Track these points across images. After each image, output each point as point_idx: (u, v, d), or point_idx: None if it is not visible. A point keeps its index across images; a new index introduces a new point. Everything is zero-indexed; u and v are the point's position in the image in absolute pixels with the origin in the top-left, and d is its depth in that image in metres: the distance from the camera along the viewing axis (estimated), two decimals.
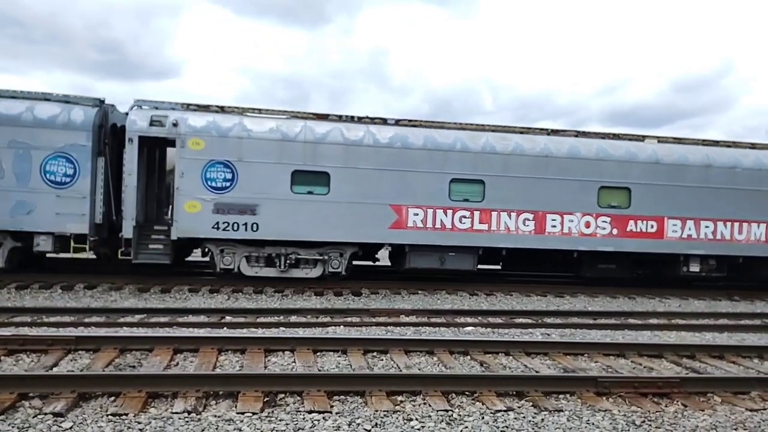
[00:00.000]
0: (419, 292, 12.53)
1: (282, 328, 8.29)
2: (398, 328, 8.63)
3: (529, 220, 12.83)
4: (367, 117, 12.89)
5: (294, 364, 6.23)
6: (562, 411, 5.08)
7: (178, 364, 6.16)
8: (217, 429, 4.34)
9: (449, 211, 12.54)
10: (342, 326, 8.60)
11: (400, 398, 5.23)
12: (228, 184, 11.75)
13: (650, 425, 4.87)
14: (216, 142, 11.74)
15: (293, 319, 9.32)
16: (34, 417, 4.45)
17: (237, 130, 11.88)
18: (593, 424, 4.83)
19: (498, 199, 12.68)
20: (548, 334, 8.53)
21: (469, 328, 8.86)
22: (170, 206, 12.25)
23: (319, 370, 6.01)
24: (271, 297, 11.55)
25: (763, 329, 9.78)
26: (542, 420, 4.86)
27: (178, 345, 6.56)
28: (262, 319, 9.11)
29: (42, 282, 11.47)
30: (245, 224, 11.78)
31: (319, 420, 4.61)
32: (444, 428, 4.59)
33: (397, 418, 4.74)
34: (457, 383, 5.52)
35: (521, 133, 13.43)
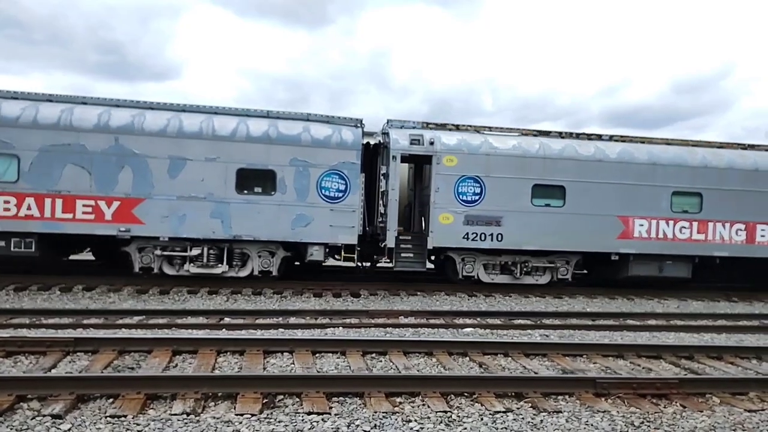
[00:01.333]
0: (418, 293, 12.55)
1: (281, 330, 8.29)
2: (397, 329, 8.63)
3: (741, 230, 13.80)
4: (595, 134, 13.96)
5: (293, 365, 6.22)
6: (561, 412, 5.09)
7: (176, 365, 6.15)
8: (216, 430, 4.33)
9: (671, 222, 13.52)
10: (341, 327, 8.59)
11: (399, 399, 5.23)
12: (477, 197, 12.77)
13: (649, 426, 4.88)
14: (467, 159, 12.74)
15: (292, 320, 9.32)
16: (32, 419, 4.44)
17: (485, 147, 12.89)
18: (592, 425, 4.83)
19: (714, 211, 13.66)
20: (547, 335, 8.54)
21: (468, 330, 8.86)
22: (422, 217, 13.30)
23: (318, 372, 6.00)
24: (270, 298, 11.55)
25: (761, 330, 9.80)
26: (541, 421, 4.86)
27: (176, 346, 6.56)
28: (260, 321, 9.11)
29: (40, 284, 11.46)
30: (491, 234, 12.79)
31: (318, 421, 4.61)
32: (443, 429, 4.59)
33: (396, 419, 4.74)
34: (456, 384, 5.52)
35: (733, 148, 14.35)
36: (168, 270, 12.05)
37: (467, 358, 6.81)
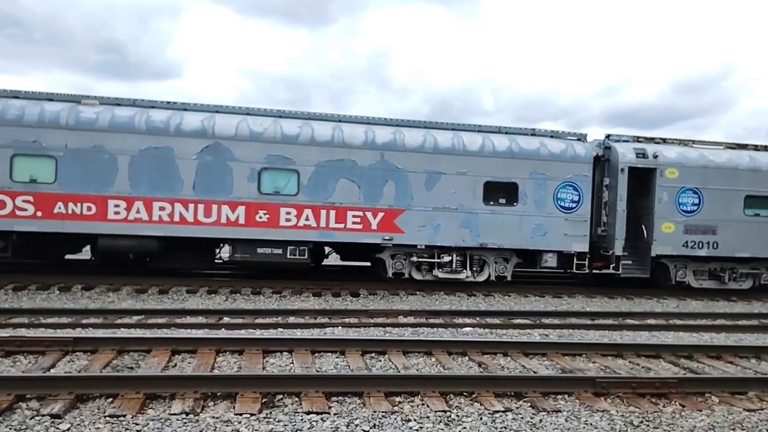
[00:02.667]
0: (417, 293, 12.55)
1: (280, 329, 8.28)
2: (396, 329, 8.63)
3: None
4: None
5: (292, 365, 6.22)
6: (560, 411, 5.09)
7: (176, 365, 6.15)
8: (215, 430, 4.33)
9: None
10: (340, 327, 8.59)
11: (398, 399, 5.23)
12: (695, 207, 13.65)
13: (648, 425, 4.88)
14: (686, 171, 13.61)
15: (291, 320, 9.31)
16: (31, 419, 4.44)
17: (701, 160, 13.75)
18: (591, 424, 4.84)
19: None
20: (546, 335, 8.54)
21: (467, 329, 8.86)
22: (642, 226, 13.80)
23: (317, 371, 6.00)
24: (269, 298, 11.54)
25: (761, 329, 9.80)
26: (540, 420, 4.86)
27: (176, 346, 6.55)
28: (260, 320, 9.10)
29: (39, 283, 11.44)
30: (707, 243, 13.66)
31: (317, 421, 4.61)
32: (442, 429, 4.59)
33: (395, 419, 4.74)
34: (455, 384, 5.52)
35: None
36: (416, 275, 12.91)
37: (466, 358, 6.81)
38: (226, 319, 9.16)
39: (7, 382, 4.95)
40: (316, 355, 6.61)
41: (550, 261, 13.19)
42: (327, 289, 12.30)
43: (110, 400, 4.87)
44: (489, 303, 12.06)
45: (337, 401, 5.11)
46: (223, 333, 7.80)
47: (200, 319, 9.10)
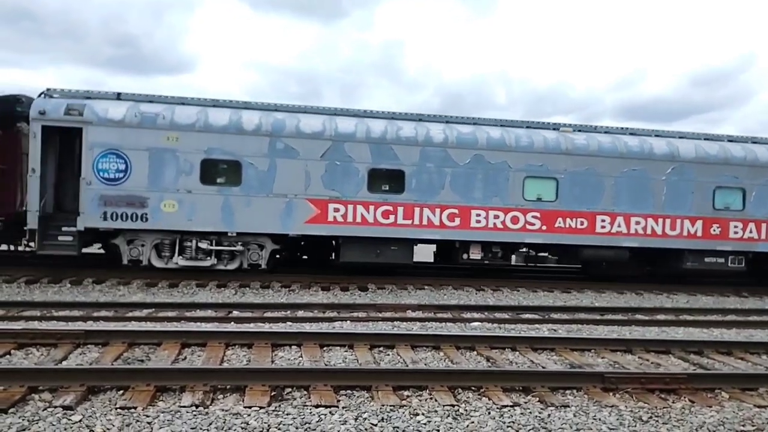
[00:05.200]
0: (426, 287, 12.55)
1: (289, 323, 8.32)
2: (405, 323, 8.64)
3: None
4: None
5: (301, 358, 6.25)
6: (568, 406, 5.08)
7: (185, 358, 6.20)
8: (224, 423, 4.36)
9: None
10: (348, 321, 8.62)
11: (406, 393, 5.24)
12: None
13: (657, 421, 4.86)
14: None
15: (300, 314, 9.35)
16: (44, 410, 4.49)
17: None
18: (600, 419, 4.83)
19: None
20: (555, 330, 8.52)
21: (476, 324, 8.86)
22: None
23: (326, 365, 6.03)
24: (278, 292, 11.59)
25: None
26: (549, 415, 4.85)
27: (185, 339, 6.60)
28: (269, 314, 9.14)
29: (51, 276, 11.57)
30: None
31: (325, 414, 4.63)
32: (450, 423, 4.60)
33: (403, 412, 4.75)
34: (463, 378, 5.52)
35: None
36: None
37: (474, 353, 6.81)
38: (235, 313, 9.22)
39: (19, 374, 5.01)
40: (325, 348, 6.63)
41: None
42: (336, 283, 12.34)
43: (121, 392, 4.92)
44: (497, 298, 12.05)
45: (345, 395, 5.13)
46: (232, 326, 7.84)
47: (210, 313, 9.16)
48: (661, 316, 10.45)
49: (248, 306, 9.91)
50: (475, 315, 9.79)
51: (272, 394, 5.02)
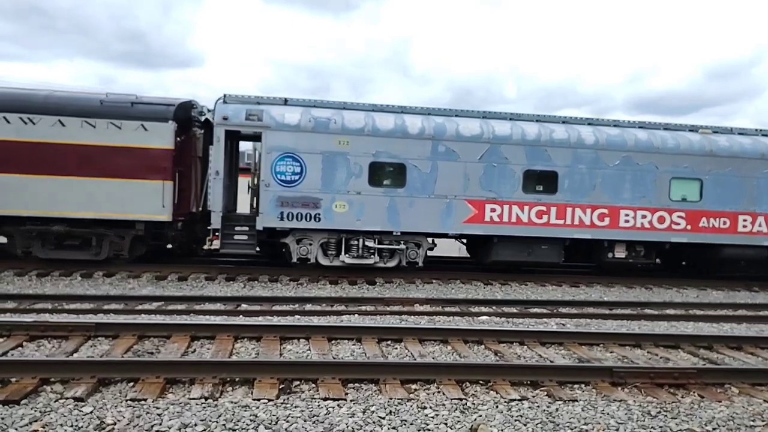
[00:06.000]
0: (433, 281, 12.54)
1: (297, 317, 8.35)
2: (412, 317, 8.65)
3: None
4: None
5: (309, 351, 6.28)
6: (577, 401, 5.08)
7: (195, 351, 6.25)
8: (233, 415, 4.40)
9: None
10: (356, 315, 8.64)
11: (414, 386, 5.26)
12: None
13: (666, 416, 4.84)
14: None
15: (308, 307, 9.38)
16: (55, 401, 4.55)
17: None
18: (608, 414, 4.82)
19: None
20: (563, 324, 8.50)
21: (484, 318, 8.86)
22: None
23: (334, 358, 6.05)
24: (287, 285, 11.63)
25: None
26: (557, 409, 4.85)
27: (195, 332, 6.65)
28: (277, 308, 9.18)
29: (62, 270, 11.67)
30: None
31: (333, 407, 4.66)
32: (458, 417, 4.61)
33: (411, 406, 4.77)
34: (471, 372, 5.53)
35: None
36: None
37: (482, 346, 6.81)
38: (244, 306, 9.26)
39: (31, 366, 5.08)
40: (333, 342, 6.66)
41: None
42: (343, 277, 12.36)
43: (131, 384, 4.97)
44: (505, 292, 12.02)
45: (353, 388, 5.15)
46: (241, 320, 7.88)
47: (219, 306, 9.21)
48: (670, 311, 10.39)
49: (257, 299, 9.96)
50: (483, 309, 9.78)
51: (281, 386, 5.05)
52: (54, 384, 4.91)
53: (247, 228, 12.09)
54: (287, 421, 4.33)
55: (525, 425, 4.51)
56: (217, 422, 4.26)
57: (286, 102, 12.42)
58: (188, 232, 12.87)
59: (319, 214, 12.08)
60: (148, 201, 11.57)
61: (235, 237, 12.08)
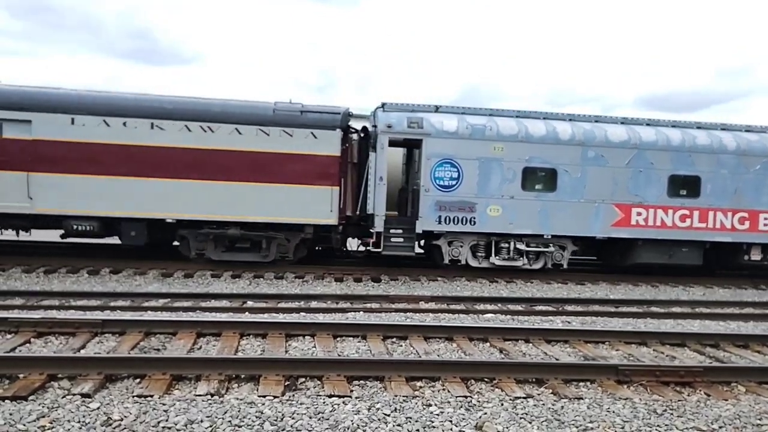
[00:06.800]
0: (439, 279, 12.54)
1: (302, 314, 8.37)
2: (417, 314, 8.65)
3: None
4: None
5: (314, 348, 6.29)
6: (582, 399, 5.07)
7: (201, 347, 6.27)
8: (239, 411, 4.42)
9: None
10: (362, 312, 8.65)
11: (419, 384, 5.27)
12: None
13: (672, 414, 4.83)
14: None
15: (314, 304, 9.40)
16: (63, 397, 4.58)
17: None
18: (614, 412, 4.81)
19: None
20: (569, 322, 8.48)
21: (489, 315, 8.85)
22: None
23: (339, 355, 6.06)
24: (292, 283, 11.66)
25: None
26: (562, 407, 4.85)
27: (201, 329, 6.68)
28: (283, 305, 9.21)
29: (69, 266, 11.74)
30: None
31: (339, 404, 4.67)
32: (463, 414, 4.61)
33: (416, 403, 4.77)
34: (476, 370, 5.53)
35: None
36: None
37: (488, 344, 6.81)
38: (249, 303, 9.29)
39: (39, 362, 5.11)
40: (338, 339, 6.67)
41: None
42: (349, 274, 12.38)
43: (138, 380, 5.00)
44: (511, 289, 12.00)
45: (358, 385, 5.16)
46: (246, 317, 7.91)
47: (224, 303, 9.24)
48: (677, 309, 10.36)
49: (262, 296, 9.98)
50: (489, 307, 9.77)
51: (286, 383, 5.07)
52: (61, 380, 4.94)
53: (401, 231, 12.63)
54: (292, 418, 4.35)
55: (530, 423, 4.51)
56: (222, 418, 4.28)
57: (437, 109, 12.91)
58: (344, 234, 13.31)
59: (474, 218, 12.60)
60: (317, 205, 12.15)
61: (392, 240, 12.60)
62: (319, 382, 5.14)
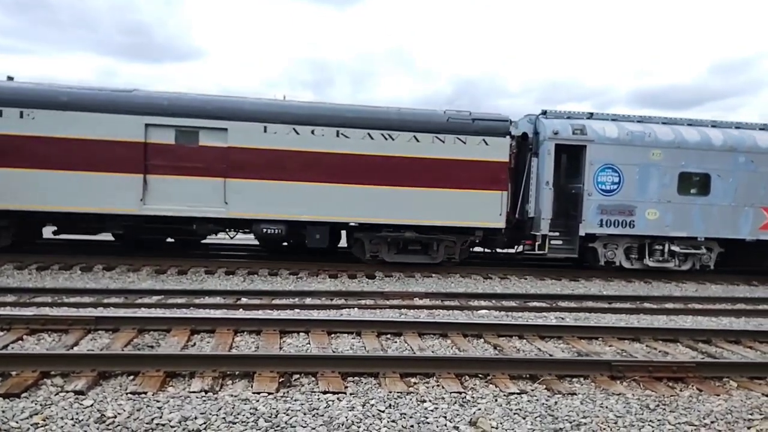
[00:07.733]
0: (433, 275, 12.57)
1: (297, 310, 8.37)
2: (412, 310, 8.67)
3: None
4: None
5: (309, 345, 6.29)
6: (575, 394, 5.09)
7: (195, 344, 6.26)
8: (233, 408, 4.41)
9: None
10: (356, 309, 8.65)
11: (413, 380, 5.27)
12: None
13: (664, 409, 4.86)
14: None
15: (308, 301, 9.40)
16: (56, 394, 4.56)
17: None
18: (607, 407, 4.83)
19: None
20: (562, 318, 8.52)
21: (483, 312, 8.87)
22: None
23: (334, 352, 6.06)
24: (286, 279, 11.65)
25: None
26: (555, 403, 4.87)
27: (195, 326, 6.65)
28: (277, 301, 9.20)
29: (62, 263, 11.68)
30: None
31: (333, 400, 4.67)
32: (457, 410, 4.62)
33: (410, 399, 4.78)
34: (470, 366, 5.54)
35: None
36: None
37: (482, 340, 6.83)
38: (243, 300, 9.28)
39: (32, 359, 5.09)
40: (333, 336, 6.67)
41: None
42: (343, 271, 12.38)
43: (132, 377, 4.98)
44: (505, 286, 12.04)
45: (353, 381, 5.16)
46: (240, 313, 7.90)
47: (218, 300, 9.22)
48: (669, 305, 10.42)
49: (257, 293, 9.97)
50: (483, 303, 9.80)
51: (280, 380, 5.06)
52: (54, 377, 4.92)
53: (558, 233, 13.14)
54: (287, 415, 4.35)
55: (524, 418, 4.53)
56: (217, 415, 4.27)
57: (591, 116, 13.48)
58: (508, 238, 13.57)
59: (633, 221, 13.11)
60: (487, 210, 12.60)
61: (553, 242, 13.08)
62: (313, 379, 5.14)
